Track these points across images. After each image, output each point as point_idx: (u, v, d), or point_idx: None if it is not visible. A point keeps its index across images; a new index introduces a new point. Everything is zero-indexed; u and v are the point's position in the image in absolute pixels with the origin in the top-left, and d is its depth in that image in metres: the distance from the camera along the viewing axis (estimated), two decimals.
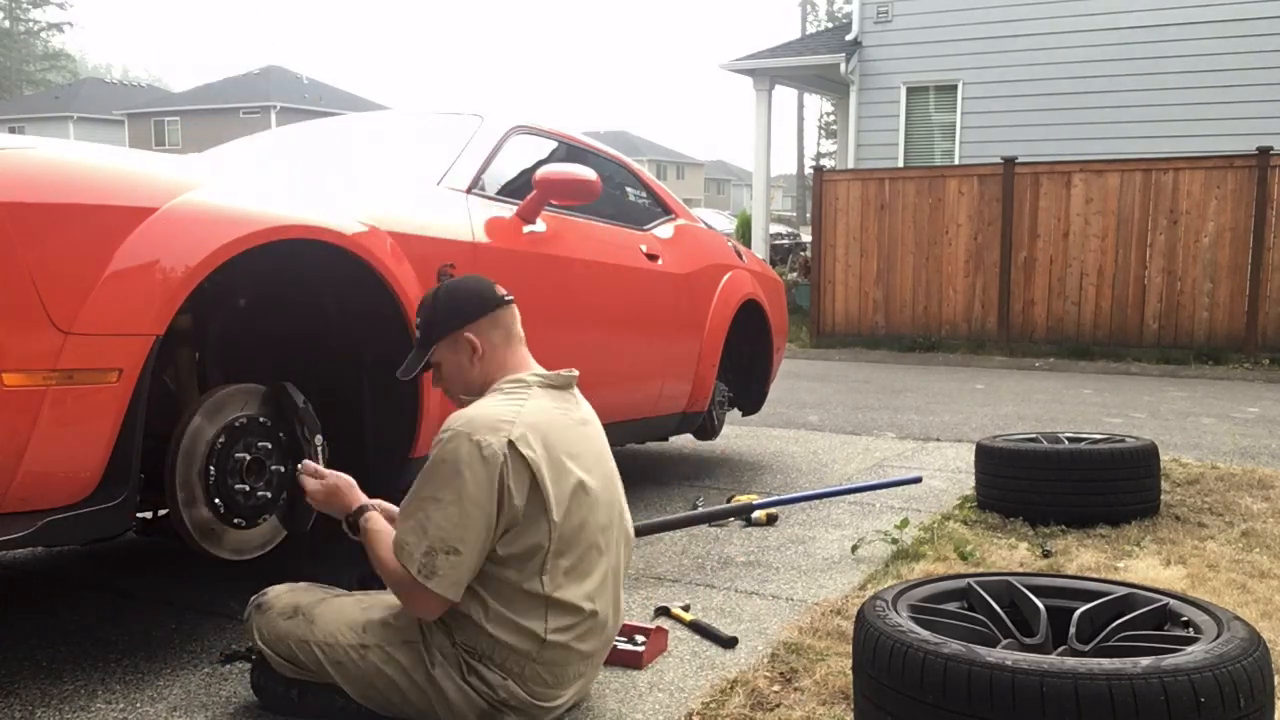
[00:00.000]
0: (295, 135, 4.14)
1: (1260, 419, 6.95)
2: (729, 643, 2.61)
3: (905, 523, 3.75)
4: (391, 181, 3.13)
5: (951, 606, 2.01)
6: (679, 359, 4.28)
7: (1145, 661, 1.59)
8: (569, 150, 4.04)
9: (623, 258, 3.92)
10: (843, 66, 14.44)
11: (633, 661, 2.45)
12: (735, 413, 5.25)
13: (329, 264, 2.63)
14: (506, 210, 3.34)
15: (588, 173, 3.32)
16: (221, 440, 2.39)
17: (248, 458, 2.44)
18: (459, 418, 2.04)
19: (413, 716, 2.08)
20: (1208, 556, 3.41)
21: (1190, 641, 1.75)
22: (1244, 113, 12.14)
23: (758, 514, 3.85)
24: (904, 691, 1.69)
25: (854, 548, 3.51)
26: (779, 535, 3.77)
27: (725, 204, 66.01)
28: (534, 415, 2.07)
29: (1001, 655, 1.64)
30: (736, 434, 6.02)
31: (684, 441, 5.62)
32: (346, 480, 2.22)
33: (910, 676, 1.68)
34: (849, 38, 14.72)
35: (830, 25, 40.43)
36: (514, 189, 3.49)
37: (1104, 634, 1.90)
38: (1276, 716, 1.91)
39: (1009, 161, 10.96)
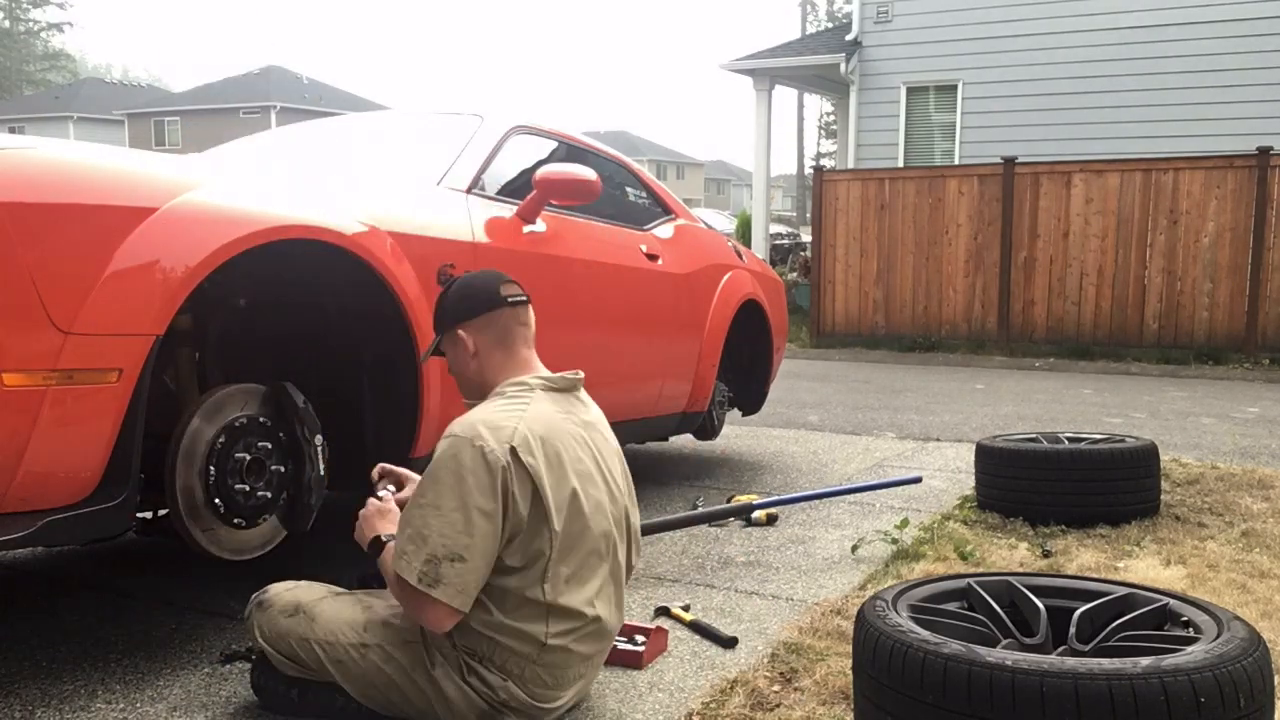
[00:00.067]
0: (295, 135, 4.14)
1: (1260, 419, 6.95)
2: (729, 643, 2.61)
3: (905, 523, 3.75)
4: (391, 181, 3.13)
5: (951, 606, 2.01)
6: (679, 359, 4.28)
7: (1145, 661, 1.59)
8: (569, 150, 4.04)
9: (623, 258, 3.92)
10: (843, 66, 14.44)
11: (633, 661, 2.45)
12: (735, 413, 5.25)
13: (329, 264, 2.63)
14: (506, 210, 3.34)
15: (588, 173, 3.32)
16: (221, 440, 2.39)
17: (248, 458, 2.44)
18: (460, 423, 2.02)
19: (413, 716, 2.08)
20: (1208, 556, 3.41)
21: (1190, 641, 1.75)
22: (1244, 113, 12.14)
23: (758, 514, 3.85)
24: (904, 691, 1.69)
25: (854, 548, 3.51)
26: (779, 535, 3.77)
27: (725, 204, 66.01)
28: (535, 421, 2.05)
29: (1001, 655, 1.64)
30: (736, 434, 6.02)
31: (684, 441, 5.62)
32: (382, 509, 2.18)
33: (910, 676, 1.68)
34: (849, 38, 14.72)
35: (830, 25, 40.43)
36: (514, 189, 3.49)
37: (1104, 634, 1.90)
38: (1277, 717, 1.91)
39: (1009, 161, 10.96)
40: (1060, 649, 1.91)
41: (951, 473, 4.94)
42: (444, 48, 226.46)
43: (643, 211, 4.48)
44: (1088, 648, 1.88)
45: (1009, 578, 2.09)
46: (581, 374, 2.25)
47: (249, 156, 3.86)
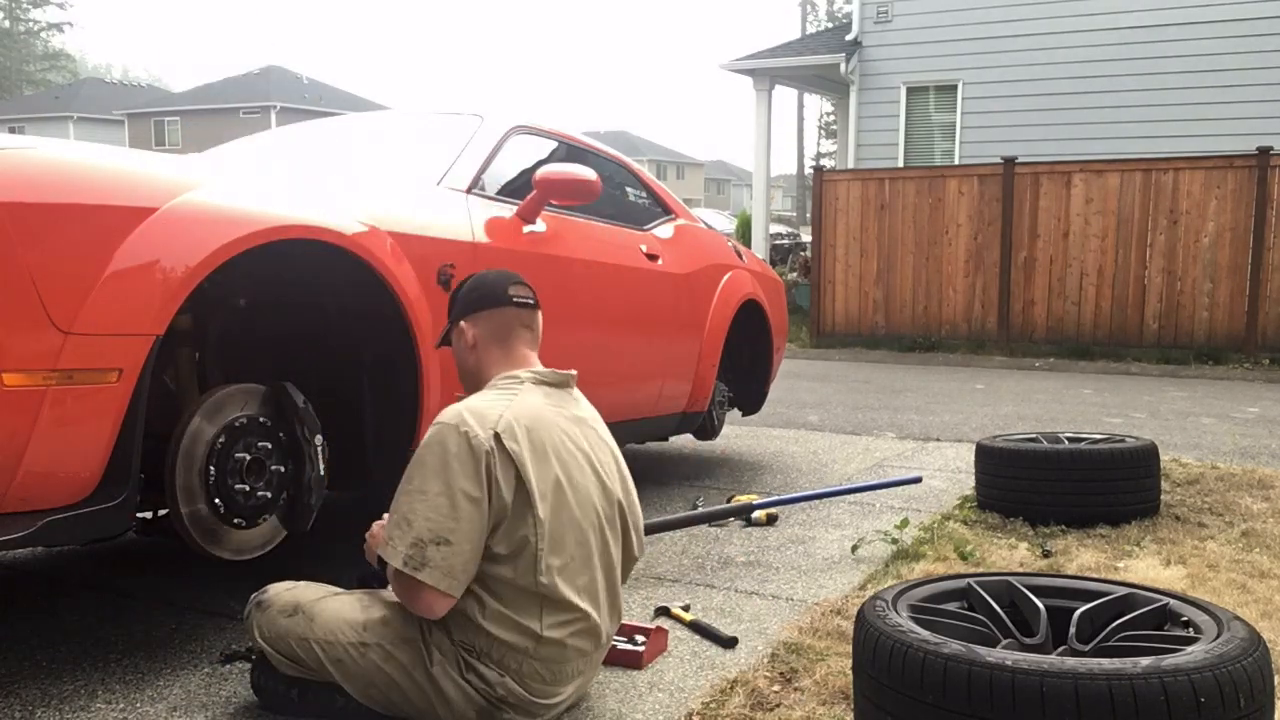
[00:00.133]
0: (295, 135, 4.14)
1: (1260, 419, 6.95)
2: (729, 643, 2.61)
3: (905, 523, 3.75)
4: (391, 181, 3.13)
5: (951, 606, 2.01)
6: (679, 359, 4.28)
7: (1145, 661, 1.59)
8: (569, 150, 4.04)
9: (623, 258, 3.92)
10: (843, 66, 14.45)
11: (633, 661, 2.45)
12: (735, 413, 5.25)
13: (329, 264, 2.63)
14: (506, 210, 3.34)
15: (588, 173, 3.32)
16: (221, 440, 2.39)
17: (248, 458, 2.44)
18: (447, 411, 2.05)
19: (412, 715, 2.08)
20: (1208, 556, 3.41)
21: (1190, 641, 1.75)
22: (1244, 113, 12.14)
23: (758, 514, 3.85)
24: (904, 691, 1.69)
25: (854, 548, 3.51)
26: (779, 535, 3.77)
27: (725, 204, 66.01)
28: (521, 409, 2.08)
29: (1001, 655, 1.64)
30: (736, 434, 6.02)
31: (684, 441, 5.62)
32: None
33: (910, 676, 1.68)
34: (849, 38, 14.72)
35: (830, 25, 40.43)
36: (514, 189, 3.49)
37: (1104, 634, 1.90)
38: (1277, 717, 1.91)
39: (1009, 161, 10.96)
40: (1060, 649, 1.91)
41: (951, 473, 4.94)
42: (444, 48, 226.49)
43: (643, 211, 4.48)
44: (1088, 648, 1.88)
45: (1009, 578, 2.09)
46: (574, 372, 2.27)
47: (249, 156, 3.86)
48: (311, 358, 2.89)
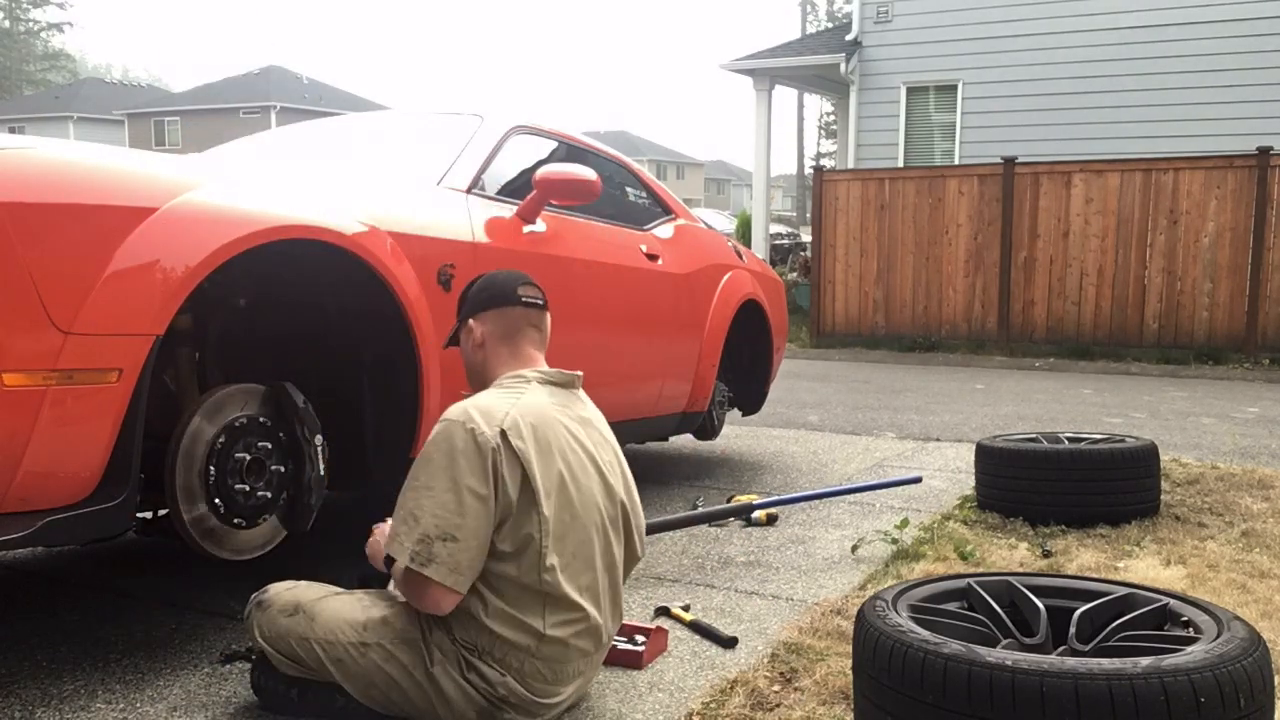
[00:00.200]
0: (295, 135, 4.14)
1: (1260, 419, 6.95)
2: (729, 643, 2.61)
3: (905, 523, 3.75)
4: (391, 181, 3.13)
5: (951, 606, 2.01)
6: (679, 359, 4.28)
7: (1145, 661, 1.59)
8: (569, 150, 4.04)
9: (623, 258, 3.92)
10: (843, 66, 14.45)
11: (633, 661, 2.45)
12: (735, 413, 5.25)
13: (329, 264, 2.63)
14: (506, 210, 3.34)
15: (588, 173, 3.32)
16: (221, 440, 2.39)
17: (248, 458, 2.44)
18: (454, 408, 2.06)
19: (413, 715, 2.08)
20: (1208, 556, 3.41)
21: (1190, 641, 1.75)
22: (1244, 113, 12.14)
23: (758, 514, 3.85)
24: (904, 691, 1.69)
25: (854, 548, 3.51)
26: (779, 535, 3.77)
27: (725, 204, 66.01)
28: (527, 408, 2.09)
29: (1001, 655, 1.64)
30: (736, 434, 6.02)
31: (684, 441, 5.62)
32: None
33: (910, 676, 1.68)
34: (849, 38, 14.72)
35: (830, 25, 40.43)
36: (514, 189, 3.49)
37: (1104, 634, 1.90)
38: (1277, 717, 1.91)
39: (1009, 161, 10.96)
40: (1060, 649, 1.91)
41: (951, 473, 4.94)
42: (444, 48, 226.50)
43: (643, 211, 4.48)
44: (1088, 648, 1.88)
45: (1009, 578, 2.09)
46: (580, 373, 2.28)
47: (249, 156, 3.86)
48: (311, 358, 2.89)
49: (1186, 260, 10.28)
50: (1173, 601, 1.93)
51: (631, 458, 5.19)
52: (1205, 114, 12.38)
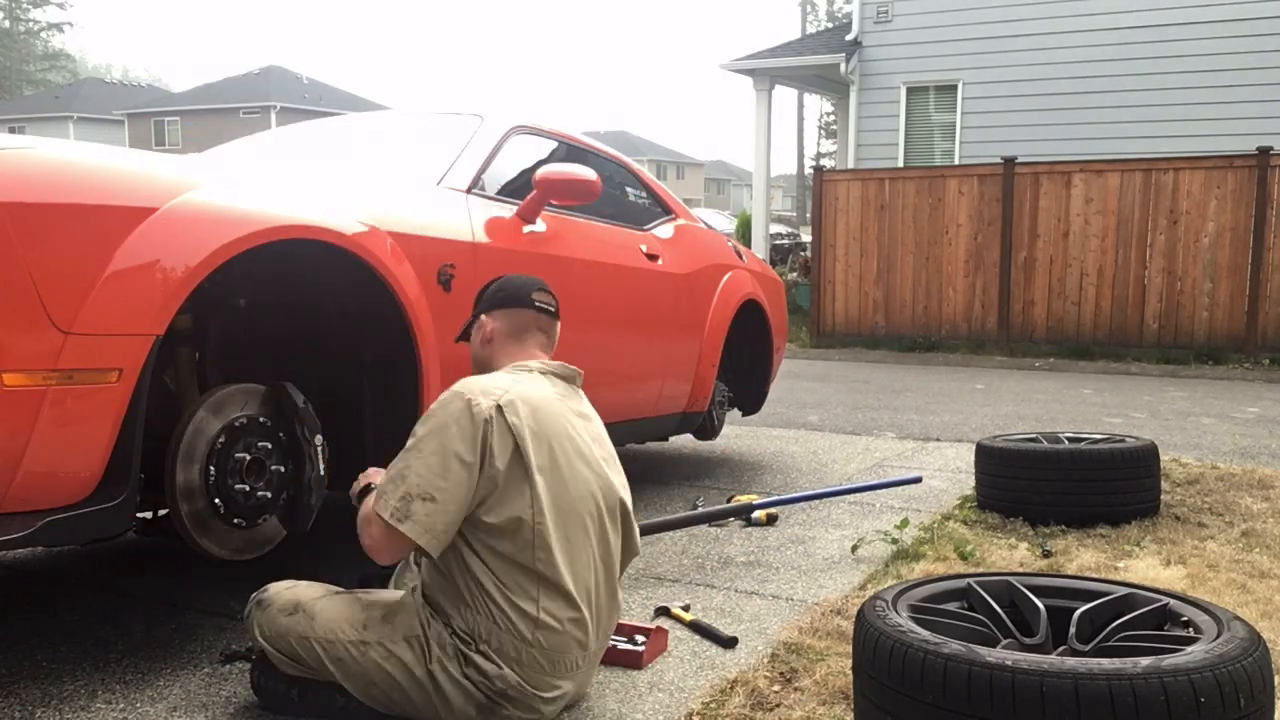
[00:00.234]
0: (295, 135, 4.14)
1: (1260, 419, 6.95)
2: (729, 643, 2.61)
3: (905, 523, 3.75)
4: (391, 181, 3.13)
5: (951, 606, 2.01)
6: (679, 359, 4.28)
7: (1145, 661, 1.59)
8: (569, 150, 4.04)
9: (623, 258, 3.92)
10: (843, 66, 14.45)
11: (633, 661, 2.45)
12: (735, 413, 5.25)
13: (329, 264, 2.63)
14: (506, 210, 3.34)
15: (588, 173, 3.32)
16: (221, 440, 2.39)
17: (248, 458, 2.44)
18: (460, 383, 2.13)
19: (412, 714, 2.08)
20: (1208, 556, 3.41)
21: (1190, 641, 1.75)
22: (1244, 113, 12.14)
23: (758, 514, 3.85)
24: (904, 691, 1.69)
25: (854, 548, 3.51)
26: (779, 535, 3.77)
27: (725, 204, 66.01)
28: (528, 391, 2.15)
29: (1001, 655, 1.64)
30: (736, 434, 6.02)
31: (684, 441, 5.62)
32: (379, 470, 2.31)
33: (910, 676, 1.68)
34: (849, 38, 14.72)
35: (830, 25, 40.43)
36: (514, 189, 3.49)
37: (1104, 634, 1.90)
38: (1277, 717, 1.91)
39: (1009, 161, 10.96)
40: (1060, 649, 1.91)
41: (951, 473, 4.94)
42: (444, 48, 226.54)
43: (643, 211, 4.48)
44: (1088, 648, 1.88)
45: (1009, 578, 2.09)
46: (581, 371, 2.34)
47: (249, 156, 3.86)
48: (311, 358, 2.89)
49: (1186, 260, 10.28)
50: (1173, 601, 1.93)
51: (631, 458, 5.22)
52: (1205, 114, 12.38)
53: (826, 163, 43.02)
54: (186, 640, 2.60)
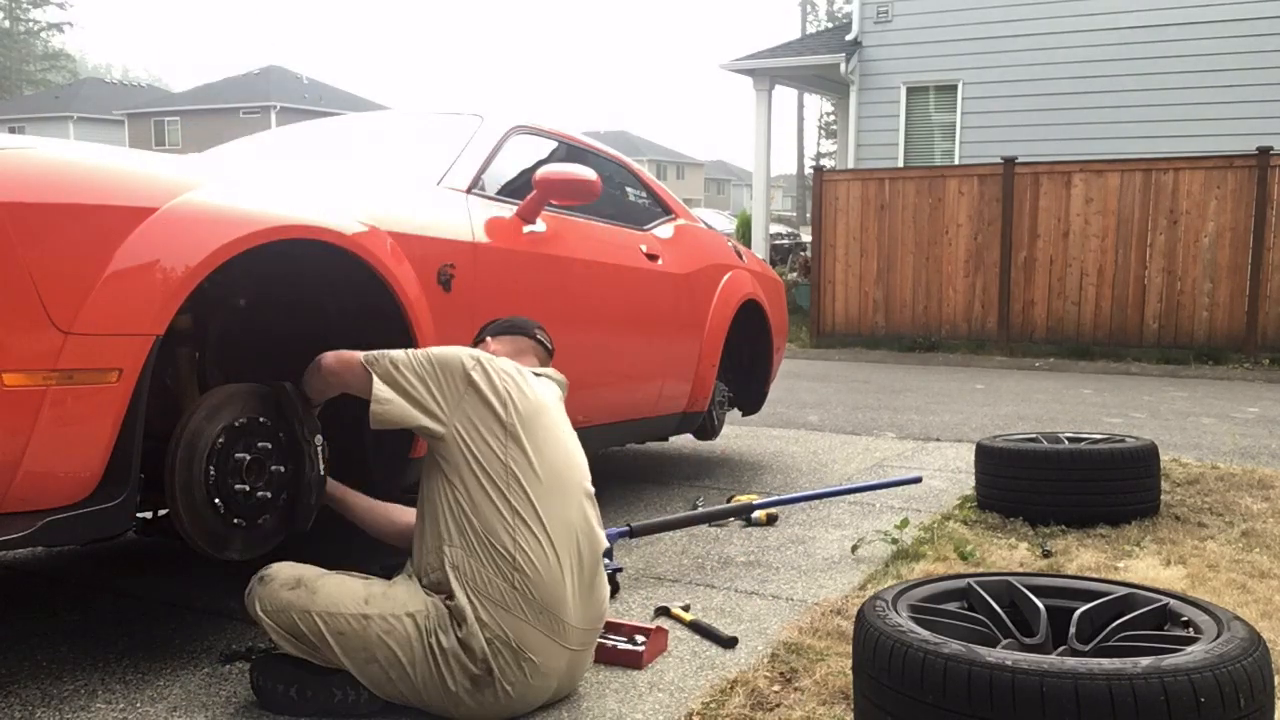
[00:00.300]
0: (295, 135, 4.14)
1: (1260, 419, 6.95)
2: (729, 643, 2.61)
3: (905, 523, 3.75)
4: (391, 181, 3.13)
5: (951, 606, 2.01)
6: (679, 359, 4.28)
7: (1145, 661, 1.59)
8: (569, 150, 4.04)
9: (623, 258, 3.92)
10: (843, 66, 14.45)
11: (633, 661, 2.45)
12: (735, 413, 5.25)
13: (329, 264, 2.63)
14: (506, 210, 3.34)
15: (588, 173, 3.32)
16: (221, 440, 2.39)
17: (248, 458, 2.44)
18: None
19: (408, 693, 2.12)
20: (1208, 556, 3.41)
21: (1190, 641, 1.75)
22: (1244, 113, 12.14)
23: (758, 514, 3.85)
24: (904, 691, 1.69)
25: (854, 548, 3.51)
26: (779, 535, 3.77)
27: (725, 204, 66.02)
28: (526, 373, 2.37)
29: (1001, 655, 1.64)
30: (736, 434, 6.02)
31: (684, 441, 5.62)
32: None
33: (910, 676, 1.68)
34: (849, 38, 14.72)
35: (830, 25, 40.43)
36: (514, 189, 3.49)
37: (1104, 634, 1.90)
38: (1277, 717, 1.91)
39: (1009, 161, 10.96)
40: (1060, 649, 1.91)
41: (951, 473, 4.94)
42: (444, 48, 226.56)
43: (643, 211, 4.47)
44: (1088, 648, 1.88)
45: (1009, 578, 2.09)
46: (565, 380, 2.55)
47: (249, 156, 3.86)
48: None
49: (1186, 260, 10.28)
50: (1173, 601, 1.93)
51: (632, 458, 5.22)
52: (1205, 114, 12.38)
53: (826, 163, 43.02)
54: (186, 640, 2.60)
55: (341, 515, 2.61)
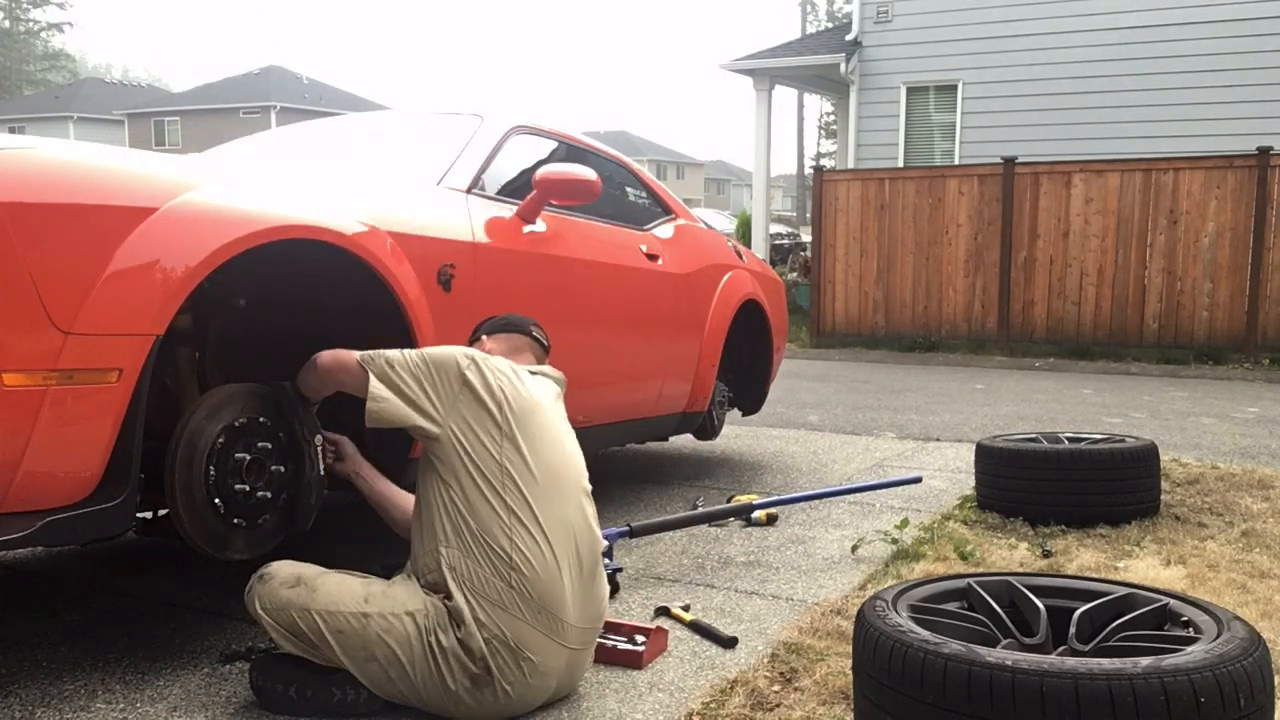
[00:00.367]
0: (295, 135, 4.14)
1: (1260, 419, 6.95)
2: (729, 643, 2.61)
3: (905, 523, 3.75)
4: (391, 181, 3.13)
5: (951, 606, 2.01)
6: (679, 359, 4.28)
7: (1145, 661, 1.59)
8: (569, 150, 4.04)
9: (623, 258, 3.92)
10: (843, 66, 14.45)
11: (633, 661, 2.45)
12: (735, 413, 5.25)
13: (329, 264, 2.63)
14: (506, 210, 3.34)
15: (588, 173, 3.32)
16: (221, 440, 2.39)
17: (248, 458, 2.44)
18: None
19: (407, 692, 2.12)
20: (1208, 556, 3.41)
21: (1190, 641, 1.75)
22: (1244, 113, 12.14)
23: (758, 514, 3.85)
24: (904, 691, 1.69)
25: (854, 548, 3.51)
26: (779, 535, 3.77)
27: (725, 204, 66.02)
28: (522, 372, 2.36)
29: (1001, 655, 1.64)
30: (736, 434, 6.02)
31: (684, 441, 5.62)
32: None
33: (910, 676, 1.68)
34: (849, 38, 14.72)
35: (830, 25, 40.43)
36: (514, 189, 3.49)
37: (1104, 634, 1.90)
38: (1277, 717, 1.91)
39: (1009, 161, 10.96)
40: (1060, 649, 1.91)
41: (951, 473, 4.94)
42: (444, 48, 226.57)
43: (643, 211, 4.47)
44: (1088, 648, 1.88)
45: (1009, 578, 2.09)
46: (564, 378, 2.53)
47: (249, 156, 3.86)
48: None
49: (1186, 260, 10.28)
50: (1173, 601, 1.93)
51: (632, 458, 5.22)
52: (1205, 114, 12.38)
53: (826, 163, 43.03)
54: (186, 640, 2.60)
55: (373, 506, 2.60)
